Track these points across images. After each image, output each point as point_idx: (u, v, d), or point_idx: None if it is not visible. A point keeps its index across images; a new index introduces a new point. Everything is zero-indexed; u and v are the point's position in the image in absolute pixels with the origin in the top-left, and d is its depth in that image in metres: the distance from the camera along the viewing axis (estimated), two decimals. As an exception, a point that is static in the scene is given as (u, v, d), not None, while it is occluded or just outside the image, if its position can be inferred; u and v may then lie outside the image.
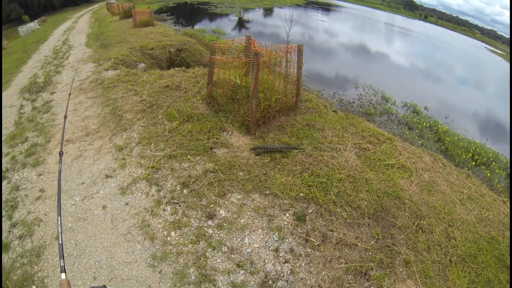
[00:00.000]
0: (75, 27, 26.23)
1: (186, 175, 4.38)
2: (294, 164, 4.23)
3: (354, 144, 4.87)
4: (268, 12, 43.74)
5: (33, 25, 35.13)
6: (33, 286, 3.44)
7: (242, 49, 5.38)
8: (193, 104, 6.16)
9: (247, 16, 38.33)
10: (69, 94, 6.06)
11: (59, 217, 1.88)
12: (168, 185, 4.31)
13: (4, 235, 4.18)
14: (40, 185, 4.85)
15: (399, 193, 4.02)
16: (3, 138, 6.61)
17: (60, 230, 1.79)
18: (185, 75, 7.90)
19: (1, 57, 10.71)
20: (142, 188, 4.34)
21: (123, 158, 4.94)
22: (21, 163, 5.54)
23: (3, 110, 8.46)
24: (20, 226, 4.21)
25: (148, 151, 4.96)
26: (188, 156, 4.68)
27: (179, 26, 27.54)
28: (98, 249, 3.67)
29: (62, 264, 1.60)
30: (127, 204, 4.17)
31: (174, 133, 5.31)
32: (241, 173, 4.23)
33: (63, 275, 1.53)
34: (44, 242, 3.91)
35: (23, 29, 32.82)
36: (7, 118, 7.73)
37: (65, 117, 3.62)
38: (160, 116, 5.88)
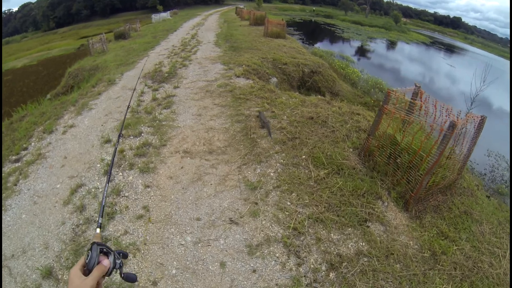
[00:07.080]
0: (204, 24, 28.80)
1: (335, 253, 3.54)
2: (453, 266, 3.66)
3: (512, 251, 4.19)
4: (392, 45, 44.58)
5: (165, 15, 42.81)
6: None
7: (398, 98, 4.58)
8: (343, 151, 5.23)
9: (369, 45, 38.78)
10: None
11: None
12: (312, 260, 3.44)
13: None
14: (145, 201, 4.39)
15: None
16: (116, 124, 6.57)
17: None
18: (331, 109, 7.05)
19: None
20: (278, 255, 3.49)
21: (256, 203, 4.17)
22: (128, 162, 5.28)
23: (123, 91, 8.78)
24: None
25: (289, 203, 4.12)
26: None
27: (306, 43, 27.98)
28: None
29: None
30: (254, 271, 3.33)
31: (321, 186, 4.42)
32: (397, 266, 3.51)
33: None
34: (137, 283, 3.26)
35: (156, 17, 40.43)
36: (125, 102, 7.85)
37: (120, 136, 2.68)
38: (304, 157, 5.07)
